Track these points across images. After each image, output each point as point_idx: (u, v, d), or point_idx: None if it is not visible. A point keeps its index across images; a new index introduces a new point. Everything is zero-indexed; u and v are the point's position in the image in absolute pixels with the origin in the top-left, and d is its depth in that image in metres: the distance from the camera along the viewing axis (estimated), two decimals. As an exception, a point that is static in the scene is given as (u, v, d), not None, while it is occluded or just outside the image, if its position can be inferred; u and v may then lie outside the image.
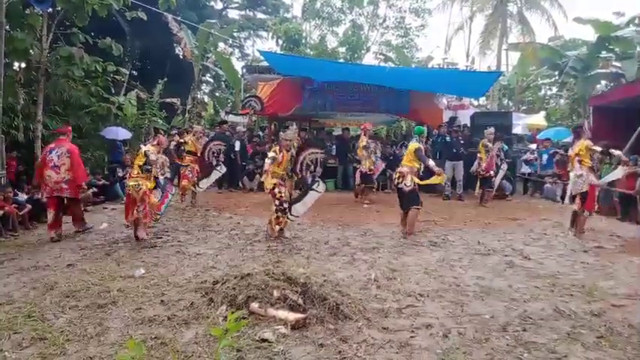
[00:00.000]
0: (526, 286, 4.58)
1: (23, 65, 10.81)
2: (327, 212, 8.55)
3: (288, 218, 6.55)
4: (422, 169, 6.92)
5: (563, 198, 10.86)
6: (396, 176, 6.88)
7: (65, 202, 6.74)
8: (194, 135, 9.52)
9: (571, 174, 7.08)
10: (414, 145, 6.80)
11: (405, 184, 6.62)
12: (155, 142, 6.68)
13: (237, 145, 11.94)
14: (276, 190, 6.42)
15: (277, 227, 6.53)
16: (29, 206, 7.46)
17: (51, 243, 6.36)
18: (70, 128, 7.54)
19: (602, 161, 9.59)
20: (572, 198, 7.00)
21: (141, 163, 6.27)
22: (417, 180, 6.71)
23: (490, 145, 9.85)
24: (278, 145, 6.65)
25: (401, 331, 3.49)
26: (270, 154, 6.50)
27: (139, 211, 6.19)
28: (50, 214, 6.60)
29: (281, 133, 6.68)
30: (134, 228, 6.35)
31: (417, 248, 6.16)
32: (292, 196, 6.75)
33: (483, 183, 9.95)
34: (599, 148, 6.80)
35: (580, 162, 6.82)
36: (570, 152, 7.26)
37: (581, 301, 4.15)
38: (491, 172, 9.89)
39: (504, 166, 10.27)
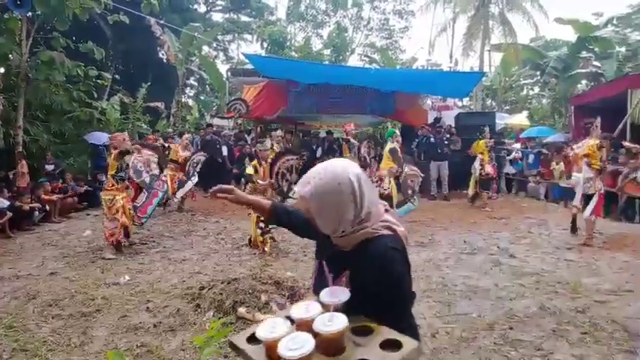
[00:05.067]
0: (512, 285, 4.63)
1: (2, 70, 10.60)
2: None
3: (268, 231, 6.17)
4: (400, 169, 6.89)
5: (547, 196, 11.05)
6: (375, 180, 6.75)
7: None
8: (182, 144, 9.34)
9: (578, 175, 6.65)
10: (388, 146, 6.78)
11: (383, 187, 6.54)
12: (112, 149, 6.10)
13: (225, 150, 11.88)
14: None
15: (266, 246, 6.03)
16: (10, 214, 7.31)
17: (33, 251, 6.24)
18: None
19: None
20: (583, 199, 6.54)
21: (113, 173, 5.90)
22: (394, 188, 6.59)
23: (489, 143, 9.70)
24: (255, 158, 6.36)
25: (389, 333, 3.49)
26: (250, 169, 6.17)
27: (107, 228, 5.83)
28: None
29: (258, 145, 6.41)
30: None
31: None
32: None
33: (482, 185, 9.67)
34: (604, 152, 6.40)
35: (589, 165, 6.38)
36: (577, 150, 6.68)
37: (565, 298, 4.21)
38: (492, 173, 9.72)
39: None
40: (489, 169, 9.52)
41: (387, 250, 1.35)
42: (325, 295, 1.31)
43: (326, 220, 1.37)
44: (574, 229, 6.78)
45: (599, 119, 6.78)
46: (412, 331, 1.40)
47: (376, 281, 1.32)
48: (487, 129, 9.89)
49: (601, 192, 6.41)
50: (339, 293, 1.31)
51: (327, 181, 1.35)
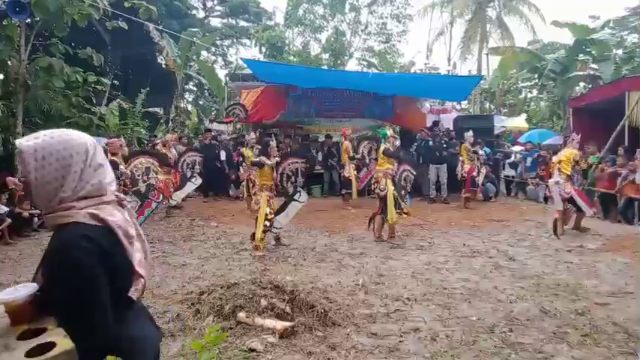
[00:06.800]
0: (512, 287, 4.62)
1: (1, 77, 10.61)
2: (314, 218, 8.54)
3: (270, 231, 6.34)
4: (396, 169, 6.93)
5: (546, 199, 11.07)
6: (372, 182, 6.97)
7: None
8: (164, 145, 9.36)
9: (551, 180, 7.31)
10: (381, 147, 6.87)
11: (380, 189, 6.65)
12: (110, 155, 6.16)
13: (223, 155, 11.88)
14: (268, 210, 6.18)
15: (262, 245, 6.22)
16: (9, 220, 7.29)
17: (32, 257, 6.22)
18: None
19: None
20: (564, 202, 7.09)
21: None
22: (390, 189, 6.61)
23: (471, 148, 10.08)
24: (267, 153, 6.43)
25: (389, 336, 3.49)
26: (248, 151, 6.48)
27: None
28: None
29: (270, 141, 6.54)
30: None
31: (403, 252, 6.18)
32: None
33: (470, 184, 10.16)
34: (583, 165, 7.21)
35: (560, 170, 7.02)
36: (555, 158, 7.44)
37: (565, 301, 4.20)
38: (474, 174, 10.13)
39: (483, 170, 10.47)
40: (467, 169, 10.07)
41: (75, 238, 1.17)
42: (6, 292, 1.21)
43: (35, 185, 1.23)
44: (556, 231, 6.94)
45: (579, 136, 7.45)
46: (127, 341, 1.22)
47: (57, 273, 1.15)
48: (468, 133, 10.30)
49: (577, 190, 7.15)
50: (24, 289, 1.21)
51: (56, 142, 1.24)
